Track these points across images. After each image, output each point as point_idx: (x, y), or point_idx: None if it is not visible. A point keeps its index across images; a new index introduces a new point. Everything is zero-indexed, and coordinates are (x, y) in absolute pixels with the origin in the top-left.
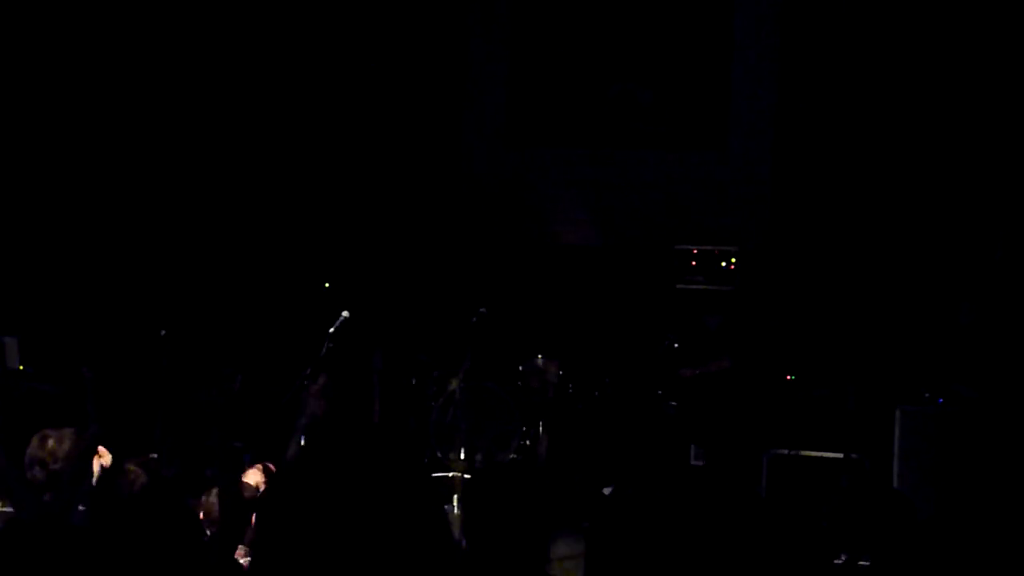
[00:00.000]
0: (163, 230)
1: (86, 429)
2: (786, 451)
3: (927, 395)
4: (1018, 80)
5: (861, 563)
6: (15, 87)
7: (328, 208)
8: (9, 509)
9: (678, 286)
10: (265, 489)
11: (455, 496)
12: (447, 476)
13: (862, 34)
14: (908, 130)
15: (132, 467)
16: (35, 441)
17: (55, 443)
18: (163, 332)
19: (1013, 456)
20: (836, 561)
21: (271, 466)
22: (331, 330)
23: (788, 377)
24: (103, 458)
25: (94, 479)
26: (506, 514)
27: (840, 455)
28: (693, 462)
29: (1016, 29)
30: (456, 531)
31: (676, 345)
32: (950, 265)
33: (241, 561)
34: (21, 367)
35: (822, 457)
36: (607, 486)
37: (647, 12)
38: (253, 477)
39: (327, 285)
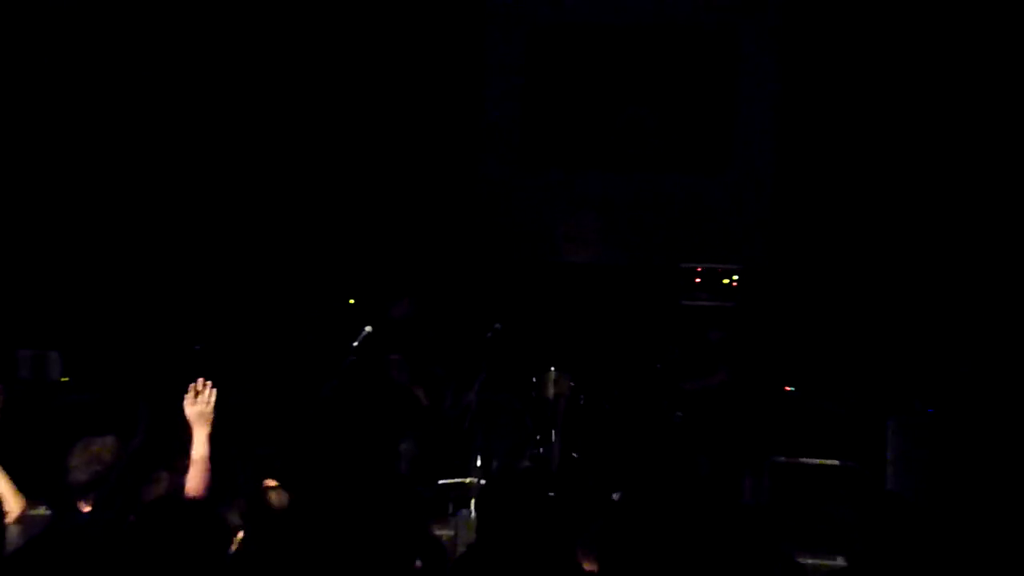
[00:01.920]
0: (199, 251)
1: (126, 438)
2: (783, 458)
3: (918, 405)
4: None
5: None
6: (55, 103)
7: (353, 230)
8: (48, 513)
9: (683, 302)
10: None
11: (471, 501)
12: (464, 482)
13: (860, 65)
14: (901, 156)
15: (163, 474)
16: (77, 448)
17: (97, 450)
18: (197, 347)
19: (997, 461)
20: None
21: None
22: (355, 343)
23: (787, 388)
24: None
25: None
26: (520, 519)
27: (837, 462)
28: (698, 470)
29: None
30: (471, 534)
31: (680, 358)
32: (938, 284)
33: None
34: (64, 379)
35: (821, 464)
36: (616, 492)
37: (656, 43)
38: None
39: (352, 301)
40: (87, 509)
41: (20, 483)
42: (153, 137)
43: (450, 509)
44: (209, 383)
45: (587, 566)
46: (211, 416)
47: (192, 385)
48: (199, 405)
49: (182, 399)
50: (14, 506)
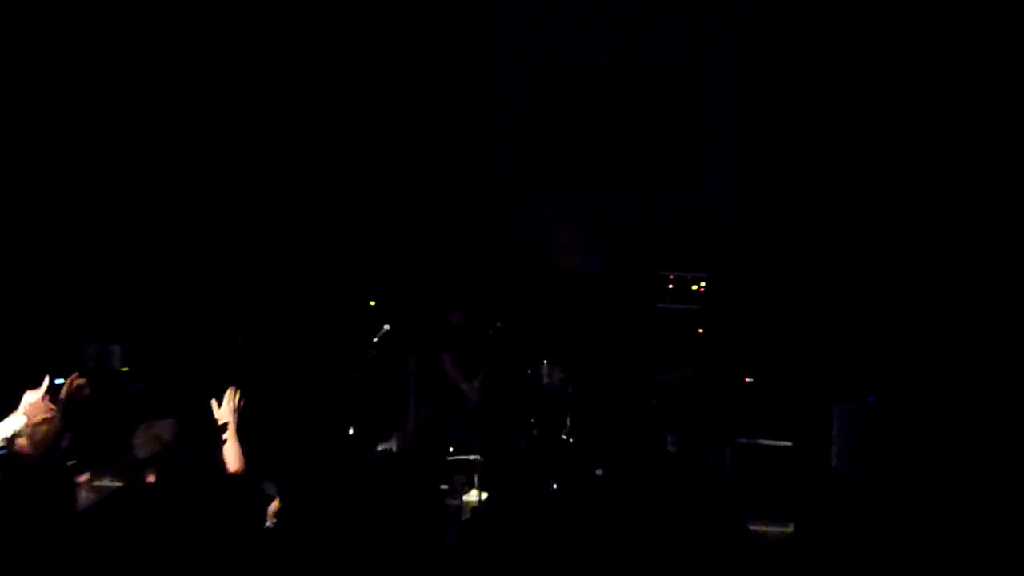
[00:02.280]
0: (241, 259)
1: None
2: (743, 439)
3: (859, 396)
4: (961, 130)
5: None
6: (114, 107)
7: (374, 241)
8: (116, 484)
9: (657, 305)
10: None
11: (475, 475)
12: (470, 459)
13: (810, 99)
14: (844, 179)
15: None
16: (140, 429)
17: (158, 431)
18: (239, 341)
19: (926, 445)
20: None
21: None
22: (375, 339)
23: (747, 380)
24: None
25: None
26: (519, 490)
27: (789, 443)
28: (669, 448)
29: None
30: (478, 503)
31: (654, 353)
32: (876, 291)
33: None
34: (124, 369)
35: (774, 445)
36: (599, 468)
37: (633, 82)
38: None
39: (372, 303)
40: (151, 479)
41: (89, 460)
42: (201, 156)
43: (456, 482)
44: (238, 392)
45: None
46: (237, 416)
47: (229, 391)
48: (226, 407)
49: (225, 386)
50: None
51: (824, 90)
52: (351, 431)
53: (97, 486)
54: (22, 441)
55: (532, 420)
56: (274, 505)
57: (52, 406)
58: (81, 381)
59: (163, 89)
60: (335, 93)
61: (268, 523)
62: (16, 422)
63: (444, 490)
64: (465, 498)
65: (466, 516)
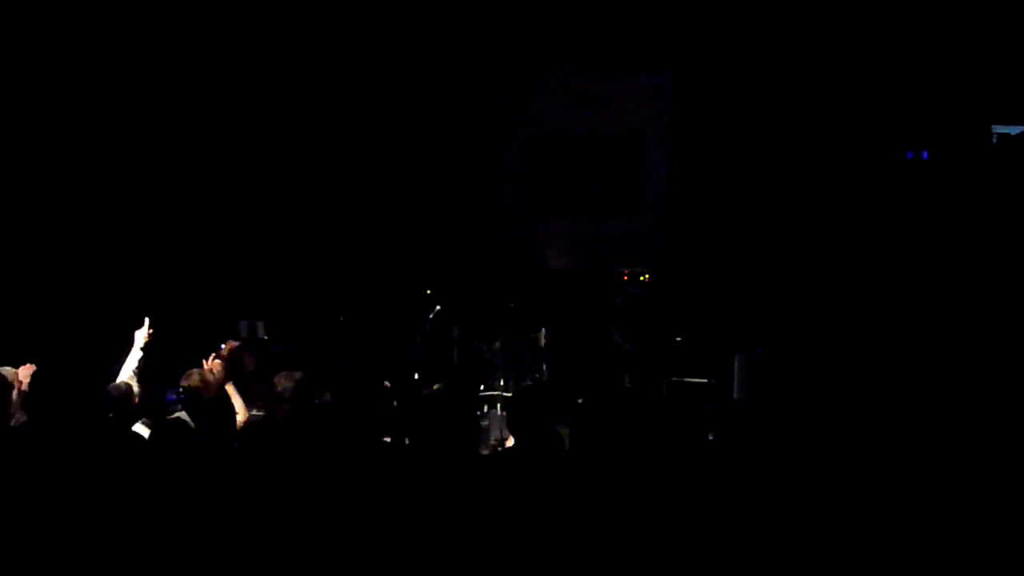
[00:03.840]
0: (340, 258)
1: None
2: (675, 378)
3: (752, 348)
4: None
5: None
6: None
7: (427, 251)
8: (260, 413)
9: (616, 294)
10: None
11: (499, 405)
12: (494, 395)
13: (720, 152)
14: (748, 203)
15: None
16: (282, 375)
17: (291, 377)
18: (342, 318)
19: (798, 382)
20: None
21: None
22: (430, 316)
23: (677, 339)
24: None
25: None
26: (528, 414)
27: (705, 380)
28: (626, 384)
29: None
30: (502, 426)
31: (614, 321)
32: (766, 278)
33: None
34: (266, 336)
35: (695, 382)
36: (580, 398)
37: (599, 143)
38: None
39: (428, 291)
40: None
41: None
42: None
43: (486, 408)
44: (217, 358)
45: None
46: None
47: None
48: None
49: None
50: (242, 412)
51: (726, 147)
52: (415, 376)
53: (252, 415)
54: (199, 384)
55: (534, 367)
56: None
57: (219, 363)
58: (236, 345)
59: (282, 103)
60: (409, 148)
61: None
62: (135, 358)
63: (479, 414)
64: (491, 421)
65: (493, 432)
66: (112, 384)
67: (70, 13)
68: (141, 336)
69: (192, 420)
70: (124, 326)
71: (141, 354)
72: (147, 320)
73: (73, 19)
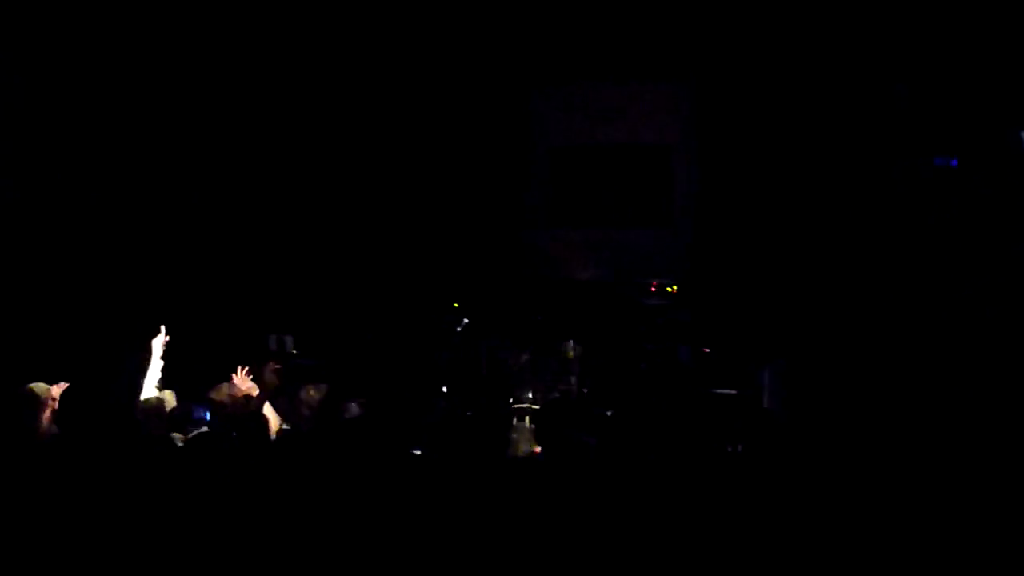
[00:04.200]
0: (365, 277)
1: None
2: (703, 389)
3: (781, 361)
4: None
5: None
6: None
7: (457, 265)
8: (287, 427)
9: (643, 302)
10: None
11: (527, 418)
12: (522, 407)
13: (742, 165)
14: (768, 215)
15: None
16: (310, 386)
17: (313, 392)
18: (369, 336)
19: (822, 392)
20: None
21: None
22: (459, 328)
23: (706, 350)
24: None
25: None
26: (555, 426)
27: (735, 392)
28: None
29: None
30: (530, 439)
31: (643, 333)
32: (790, 295)
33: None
34: (295, 351)
35: (726, 393)
36: (608, 411)
37: (624, 154)
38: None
39: (456, 305)
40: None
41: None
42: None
43: (515, 420)
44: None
45: None
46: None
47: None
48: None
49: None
50: (275, 423)
51: (751, 157)
52: (444, 388)
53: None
54: (228, 398)
55: (561, 380)
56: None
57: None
58: (278, 367)
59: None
60: (436, 162)
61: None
62: (157, 368)
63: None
64: (519, 433)
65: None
66: (143, 398)
67: (70, 13)
68: (159, 344)
69: (219, 432)
70: (145, 338)
71: (162, 363)
72: (163, 328)
73: (76, 20)
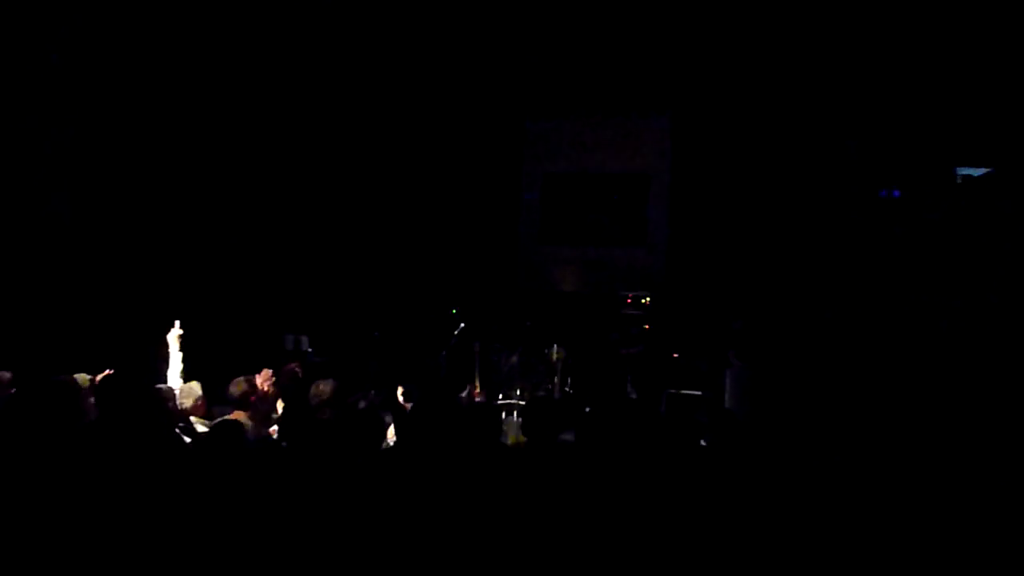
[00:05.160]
0: (372, 283)
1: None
2: (672, 391)
3: (739, 364)
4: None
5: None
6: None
7: (457, 274)
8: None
9: (622, 312)
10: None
11: (515, 413)
12: (511, 404)
13: (710, 190)
14: (736, 232)
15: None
16: (321, 383)
17: (327, 385)
18: (376, 334)
19: (781, 392)
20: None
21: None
22: (456, 332)
23: (675, 355)
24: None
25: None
26: (541, 422)
27: (700, 393)
28: (630, 395)
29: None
30: (517, 432)
31: (621, 338)
32: (745, 303)
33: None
34: (310, 349)
35: (691, 394)
36: (588, 407)
37: (607, 181)
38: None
39: (454, 311)
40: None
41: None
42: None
43: (503, 416)
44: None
45: None
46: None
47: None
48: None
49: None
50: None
51: (720, 185)
52: (441, 384)
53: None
54: (246, 391)
55: (547, 380)
56: (391, 431)
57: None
58: (297, 368)
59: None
60: (440, 185)
61: (388, 442)
62: (177, 360)
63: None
64: (508, 428)
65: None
66: (160, 386)
67: (70, 14)
68: (174, 338)
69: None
70: (162, 333)
71: (182, 355)
72: (177, 323)
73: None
